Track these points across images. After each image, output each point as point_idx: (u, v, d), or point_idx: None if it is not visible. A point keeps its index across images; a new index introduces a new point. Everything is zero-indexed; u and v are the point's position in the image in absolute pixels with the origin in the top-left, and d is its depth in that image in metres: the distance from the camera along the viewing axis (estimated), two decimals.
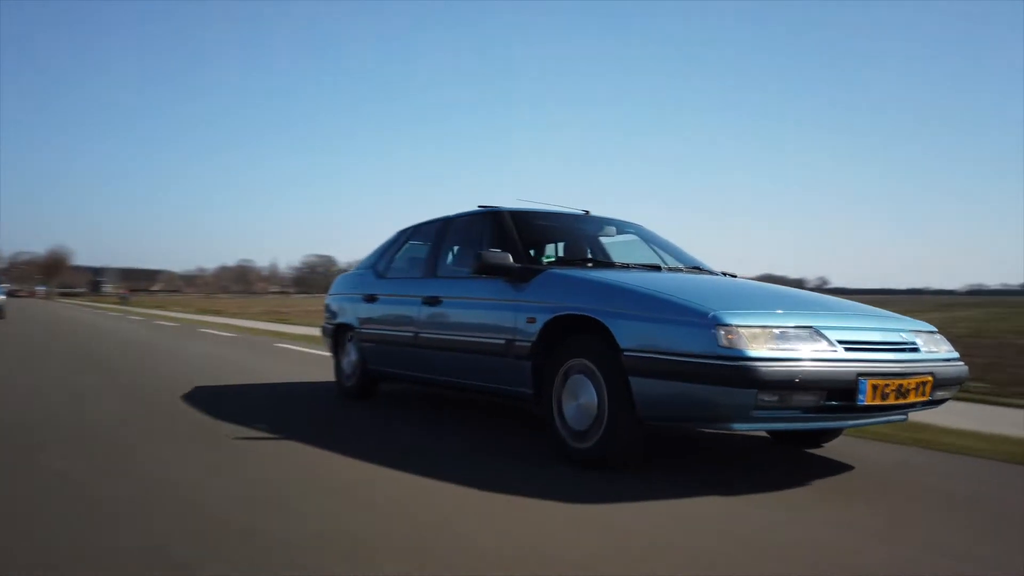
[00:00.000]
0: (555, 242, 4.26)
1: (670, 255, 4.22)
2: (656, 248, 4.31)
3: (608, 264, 3.81)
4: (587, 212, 4.54)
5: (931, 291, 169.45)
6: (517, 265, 3.62)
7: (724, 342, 2.65)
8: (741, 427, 2.77)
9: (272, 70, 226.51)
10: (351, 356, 5.18)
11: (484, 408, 4.84)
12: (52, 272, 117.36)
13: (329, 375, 5.86)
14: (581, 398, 3.15)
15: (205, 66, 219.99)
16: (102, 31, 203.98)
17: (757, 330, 2.70)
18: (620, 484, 2.89)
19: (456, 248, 4.51)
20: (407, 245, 5.06)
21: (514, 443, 3.74)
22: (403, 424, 4.26)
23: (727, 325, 2.68)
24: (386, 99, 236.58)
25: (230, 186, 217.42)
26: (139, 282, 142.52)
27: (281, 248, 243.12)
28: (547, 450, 3.45)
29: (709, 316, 2.72)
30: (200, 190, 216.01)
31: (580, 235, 4.39)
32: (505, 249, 3.73)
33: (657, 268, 3.87)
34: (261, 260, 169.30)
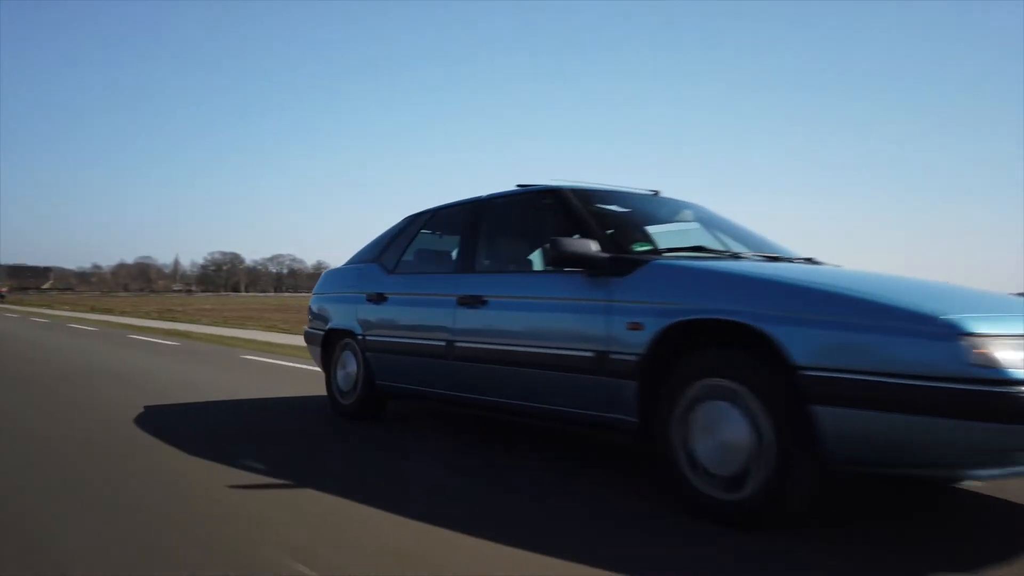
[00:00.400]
0: (620, 228, 3.43)
1: (753, 245, 3.39)
2: (725, 235, 3.47)
3: (715, 254, 3.02)
4: (656, 192, 3.75)
5: None
6: (606, 255, 2.80)
7: (975, 358, 1.92)
8: (984, 475, 2.05)
9: (171, 59, 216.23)
10: (349, 368, 4.24)
11: (523, 431, 3.97)
12: None
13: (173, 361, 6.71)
14: (723, 432, 2.35)
15: (101, 56, 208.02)
16: None
17: (1012, 340, 1.98)
18: (798, 551, 2.13)
19: (498, 237, 3.65)
20: (421, 235, 4.14)
21: (602, 485, 2.92)
22: (439, 461, 3.37)
23: (973, 334, 1.94)
24: (299, 94, 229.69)
25: (130, 180, 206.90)
26: (28, 280, 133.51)
27: (184, 245, 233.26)
28: (657, 499, 2.66)
29: (941, 320, 1.99)
30: (98, 185, 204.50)
31: (653, 221, 3.59)
32: (577, 235, 2.91)
33: (775, 259, 3.11)
34: (163, 257, 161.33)
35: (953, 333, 1.95)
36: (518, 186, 3.56)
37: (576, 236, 2.88)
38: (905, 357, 2.01)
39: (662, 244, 3.38)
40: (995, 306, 2.27)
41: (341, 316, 4.36)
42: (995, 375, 1.89)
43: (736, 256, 3.02)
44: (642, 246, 3.14)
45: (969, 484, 2.90)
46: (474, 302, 3.35)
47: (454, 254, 3.78)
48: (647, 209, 3.62)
